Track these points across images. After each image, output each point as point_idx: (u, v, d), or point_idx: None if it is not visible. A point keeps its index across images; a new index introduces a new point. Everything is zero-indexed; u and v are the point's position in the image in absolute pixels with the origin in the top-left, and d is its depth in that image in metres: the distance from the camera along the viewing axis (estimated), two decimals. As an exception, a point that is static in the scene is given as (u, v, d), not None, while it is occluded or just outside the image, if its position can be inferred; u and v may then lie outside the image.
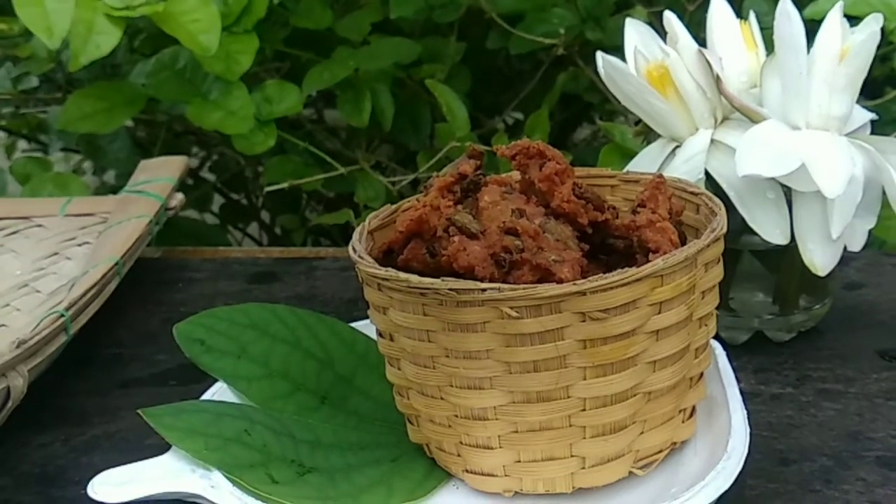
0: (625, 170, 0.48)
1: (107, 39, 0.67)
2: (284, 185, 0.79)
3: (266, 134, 0.75)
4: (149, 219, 0.62)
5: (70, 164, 1.07)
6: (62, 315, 0.50)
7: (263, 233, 1.09)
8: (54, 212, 0.69)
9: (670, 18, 0.53)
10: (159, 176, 0.68)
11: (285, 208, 1.02)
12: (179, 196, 0.68)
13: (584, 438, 0.40)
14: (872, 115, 0.52)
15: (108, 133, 0.84)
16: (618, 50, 0.54)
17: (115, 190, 0.92)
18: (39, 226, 0.68)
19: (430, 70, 0.82)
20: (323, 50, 0.81)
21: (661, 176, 0.43)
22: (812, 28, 0.49)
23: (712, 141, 0.51)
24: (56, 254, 0.65)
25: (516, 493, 0.41)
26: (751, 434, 0.41)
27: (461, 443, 0.41)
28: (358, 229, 0.43)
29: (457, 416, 0.40)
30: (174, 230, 0.79)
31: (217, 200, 1.07)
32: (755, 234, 0.50)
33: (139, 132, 0.94)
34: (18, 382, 0.46)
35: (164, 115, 0.86)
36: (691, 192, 0.44)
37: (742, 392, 0.44)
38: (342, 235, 0.98)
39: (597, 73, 0.56)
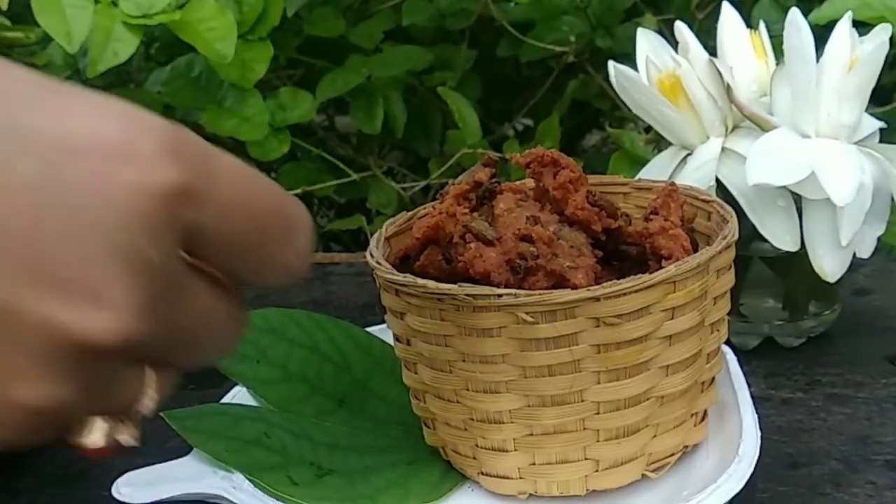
0: (637, 177, 0.49)
1: (124, 47, 0.68)
2: (297, 191, 0.80)
3: (280, 140, 0.76)
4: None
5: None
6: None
7: (275, 238, 1.10)
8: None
9: (681, 28, 0.54)
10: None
11: (297, 214, 1.02)
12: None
13: (598, 441, 0.40)
14: (881, 124, 0.53)
15: (124, 140, 0.84)
16: (627, 57, 0.55)
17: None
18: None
19: (441, 77, 0.82)
20: (336, 57, 0.82)
21: (673, 183, 0.44)
22: (820, 34, 0.50)
23: (723, 149, 0.52)
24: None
25: (531, 495, 0.42)
26: (761, 438, 0.42)
27: (477, 446, 0.42)
28: (375, 236, 0.44)
29: (472, 419, 0.41)
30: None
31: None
32: (765, 240, 0.51)
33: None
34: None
35: (178, 123, 0.87)
36: (703, 200, 0.45)
37: (753, 396, 0.45)
38: (354, 241, 0.99)
39: (607, 81, 0.56)
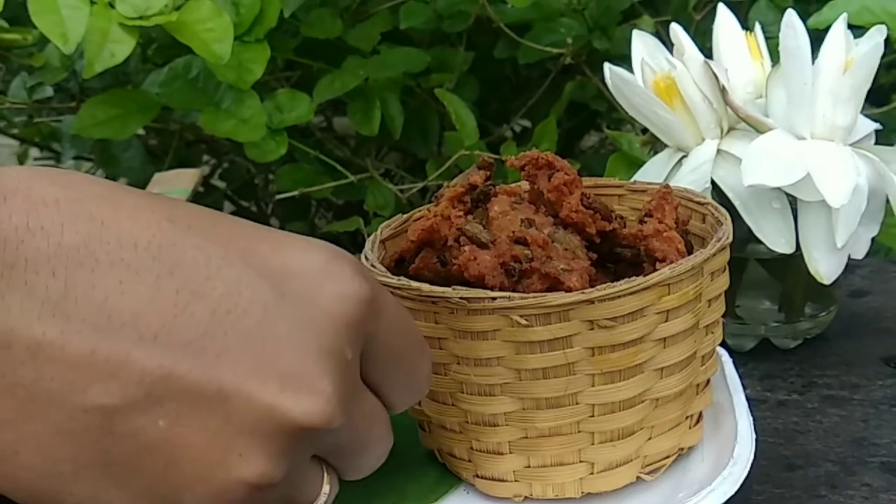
0: (632, 179, 0.49)
1: (121, 48, 0.68)
2: (295, 192, 0.80)
3: (277, 142, 0.76)
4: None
5: (81, 172, 1.08)
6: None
7: (273, 240, 1.10)
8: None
9: (677, 31, 0.54)
10: (174, 188, 0.69)
11: (295, 216, 1.03)
12: (193, 208, 0.69)
13: (593, 444, 0.40)
14: (876, 125, 0.53)
15: (122, 141, 0.85)
16: (624, 59, 0.55)
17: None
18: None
19: (438, 79, 0.82)
20: (333, 59, 0.82)
21: (667, 186, 0.44)
22: (816, 36, 0.50)
23: (718, 151, 0.52)
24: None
25: (526, 498, 0.42)
26: (757, 440, 0.42)
27: (472, 448, 0.42)
28: (370, 238, 0.44)
29: (468, 422, 0.41)
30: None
31: (227, 207, 1.08)
32: (761, 242, 0.51)
33: (151, 140, 0.95)
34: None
35: (176, 124, 0.87)
36: (698, 202, 0.45)
37: (748, 398, 0.45)
38: (351, 243, 0.99)
39: (604, 82, 0.56)
